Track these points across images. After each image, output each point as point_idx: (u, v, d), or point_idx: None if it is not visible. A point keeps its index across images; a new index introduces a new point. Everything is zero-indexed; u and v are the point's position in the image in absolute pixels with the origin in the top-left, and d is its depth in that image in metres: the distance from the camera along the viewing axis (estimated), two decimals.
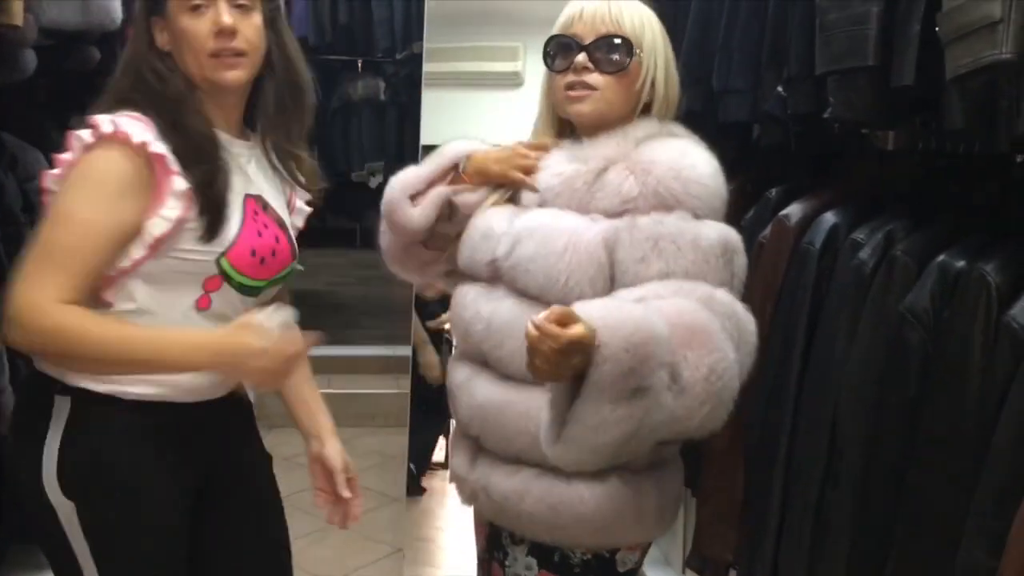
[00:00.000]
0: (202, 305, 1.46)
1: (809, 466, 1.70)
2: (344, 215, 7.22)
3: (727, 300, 1.34)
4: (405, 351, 4.67)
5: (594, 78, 1.46)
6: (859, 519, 1.58)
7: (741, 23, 2.02)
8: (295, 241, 1.59)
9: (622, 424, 1.20)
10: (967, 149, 1.66)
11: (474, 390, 1.53)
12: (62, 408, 1.41)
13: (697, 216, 1.40)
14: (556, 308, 1.19)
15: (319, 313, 5.59)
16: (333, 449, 1.75)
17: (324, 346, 4.83)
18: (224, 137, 1.48)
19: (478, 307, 1.51)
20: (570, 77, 1.46)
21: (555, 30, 1.51)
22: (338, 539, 3.24)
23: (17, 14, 2.07)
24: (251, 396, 1.72)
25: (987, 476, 1.28)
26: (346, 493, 1.71)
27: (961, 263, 1.46)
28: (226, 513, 1.59)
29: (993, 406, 1.30)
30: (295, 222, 1.67)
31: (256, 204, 1.51)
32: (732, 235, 1.43)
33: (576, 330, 1.17)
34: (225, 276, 1.45)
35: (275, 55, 1.51)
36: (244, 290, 1.49)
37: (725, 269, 1.38)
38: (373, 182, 7.07)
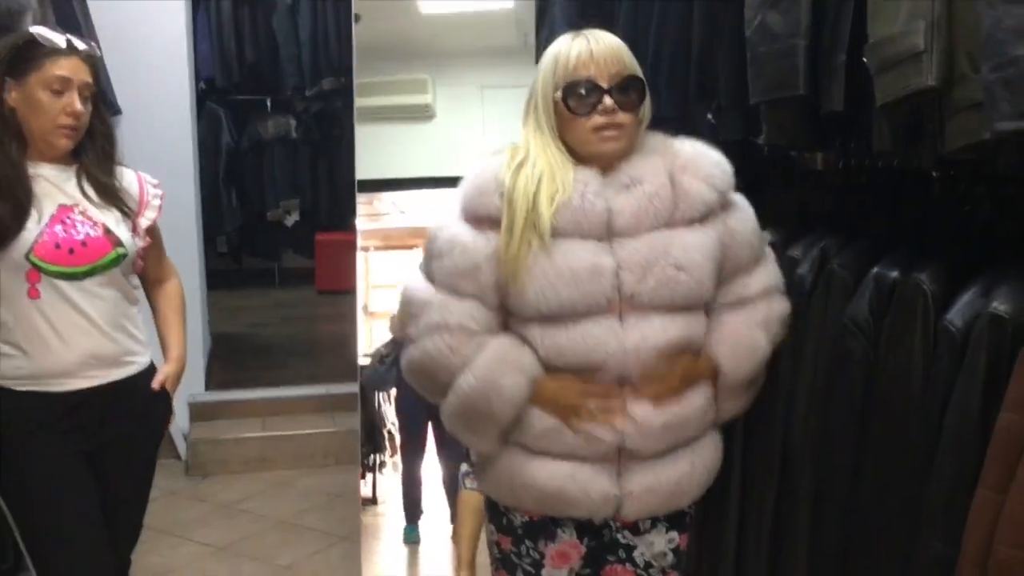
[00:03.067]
0: (32, 295, 1.86)
1: (763, 472, 1.79)
2: (261, 255, 7.16)
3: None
4: (343, 389, 4.66)
5: (620, 117, 1.53)
6: (815, 520, 1.67)
7: (666, 61, 2.12)
8: (120, 236, 1.95)
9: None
10: (887, 167, 1.78)
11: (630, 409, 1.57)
12: None
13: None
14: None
15: (244, 356, 5.52)
16: (161, 372, 2.10)
17: (254, 389, 4.76)
18: (42, 166, 1.91)
19: (619, 337, 1.54)
20: (598, 119, 1.53)
21: (564, 74, 1.54)
22: None
23: None
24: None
25: (937, 472, 1.37)
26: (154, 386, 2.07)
27: (894, 273, 1.56)
28: (105, 471, 1.98)
29: (937, 404, 1.40)
30: (141, 226, 2.04)
31: (68, 210, 1.91)
32: None
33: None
34: (38, 268, 1.85)
35: (95, 120, 1.96)
36: (64, 276, 1.87)
37: None
38: (289, 220, 7.03)
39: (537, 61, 1.64)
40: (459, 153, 6.07)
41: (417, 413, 3.55)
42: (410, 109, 4.94)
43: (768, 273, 1.69)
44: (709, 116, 1.96)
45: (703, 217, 1.57)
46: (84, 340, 1.90)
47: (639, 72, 1.58)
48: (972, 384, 1.33)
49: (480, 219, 1.56)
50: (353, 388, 4.64)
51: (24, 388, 1.88)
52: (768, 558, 1.80)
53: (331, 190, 6.97)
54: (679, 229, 1.56)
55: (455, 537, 3.08)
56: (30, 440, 1.87)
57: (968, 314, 1.39)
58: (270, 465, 4.22)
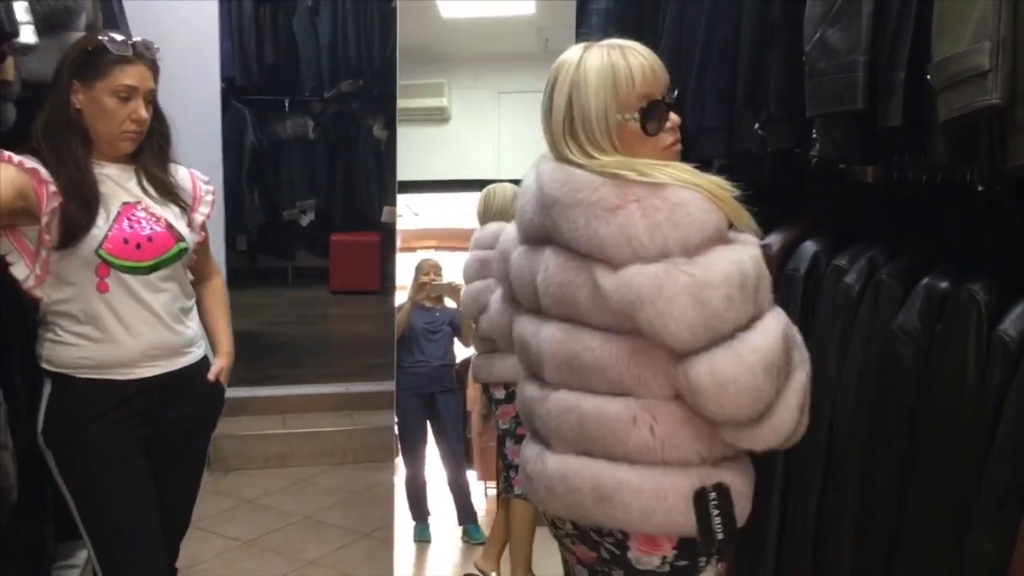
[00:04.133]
0: (101, 289, 1.91)
1: (807, 476, 1.84)
2: (275, 254, 7.22)
3: None
4: (360, 388, 4.71)
5: (678, 131, 1.55)
6: (860, 523, 1.72)
7: (713, 67, 2.17)
8: (180, 232, 2.02)
9: None
10: (932, 182, 1.83)
11: None
12: (47, 386, 1.97)
13: None
14: None
15: (263, 353, 5.59)
16: (216, 365, 2.16)
17: (276, 386, 4.82)
18: (106, 166, 1.97)
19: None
20: (668, 137, 1.52)
21: (631, 92, 1.47)
22: None
23: (9, 70, 2.09)
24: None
25: (990, 475, 1.42)
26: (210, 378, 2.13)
27: (944, 284, 1.61)
28: (162, 459, 2.04)
29: (990, 411, 1.45)
30: (196, 221, 2.10)
31: (132, 208, 1.97)
32: None
33: None
34: (107, 263, 1.90)
35: (154, 122, 2.01)
36: (131, 270, 1.93)
37: None
38: (304, 220, 7.08)
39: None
40: (473, 157, 6.14)
41: (416, 412, 3.67)
42: (426, 112, 5.00)
43: None
44: (756, 126, 2.00)
45: None
46: (148, 331, 1.95)
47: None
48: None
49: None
50: (369, 387, 4.72)
51: (87, 376, 1.93)
52: (811, 564, 1.85)
53: (346, 191, 7.02)
54: None
55: (511, 543, 3.13)
56: (91, 427, 1.92)
57: (1022, 325, 1.44)
58: (291, 462, 4.28)
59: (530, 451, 1.66)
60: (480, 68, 6.24)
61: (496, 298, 1.78)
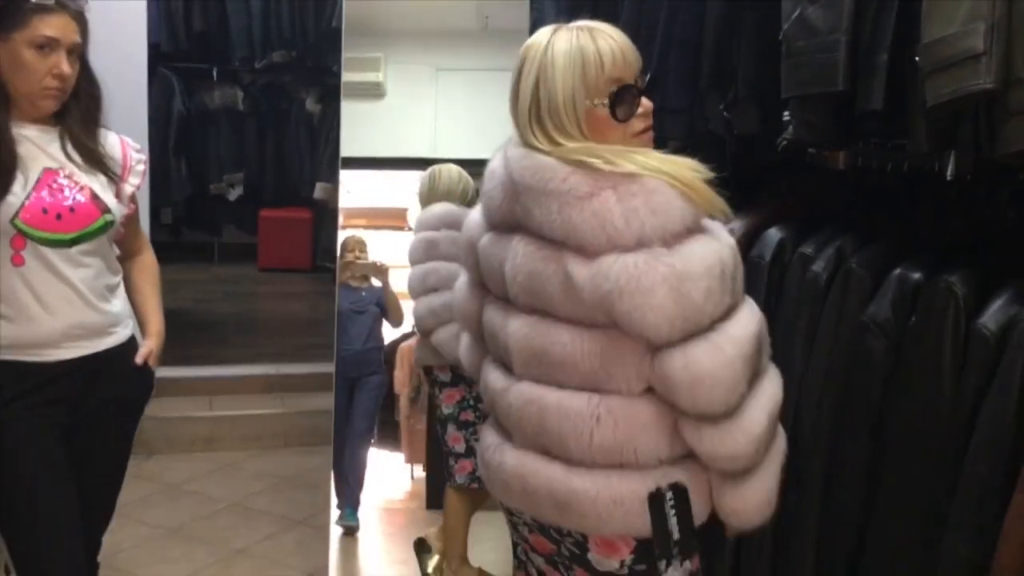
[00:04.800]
0: (16, 263, 1.76)
1: None
2: (201, 229, 6.96)
3: None
4: (290, 369, 4.56)
5: (649, 117, 1.47)
6: (825, 523, 1.67)
7: (675, 46, 2.09)
8: (107, 203, 1.86)
9: None
10: (897, 168, 1.78)
11: None
12: None
13: None
14: None
15: (189, 332, 5.39)
16: (144, 347, 2.02)
17: (201, 367, 4.64)
18: (26, 127, 1.81)
19: None
20: (639, 123, 1.44)
21: (600, 78, 1.39)
22: (242, 568, 3.13)
23: None
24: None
25: (968, 475, 1.38)
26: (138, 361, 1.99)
27: (917, 274, 1.57)
28: (84, 447, 1.90)
29: (968, 407, 1.40)
30: (125, 192, 1.95)
31: (54, 174, 1.82)
32: None
33: None
34: (24, 234, 1.76)
35: (82, 81, 1.86)
36: (50, 243, 1.78)
37: None
38: (232, 194, 6.84)
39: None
40: (409, 135, 6.00)
41: (340, 397, 3.54)
42: (360, 87, 4.86)
43: None
44: (721, 108, 1.93)
45: None
46: (69, 309, 1.81)
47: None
48: (1008, 388, 1.33)
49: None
50: (300, 369, 4.57)
51: (4, 358, 1.77)
52: (770, 565, 1.80)
53: (277, 166, 6.81)
54: None
55: (444, 532, 3.05)
56: (4, 413, 1.77)
57: (1002, 319, 1.39)
58: (217, 445, 4.13)
59: (489, 439, 1.58)
60: (418, 44, 6.10)
61: (461, 284, 1.68)
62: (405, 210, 8.56)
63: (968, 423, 1.40)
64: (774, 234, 1.88)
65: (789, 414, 1.74)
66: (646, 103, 1.44)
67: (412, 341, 4.19)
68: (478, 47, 5.99)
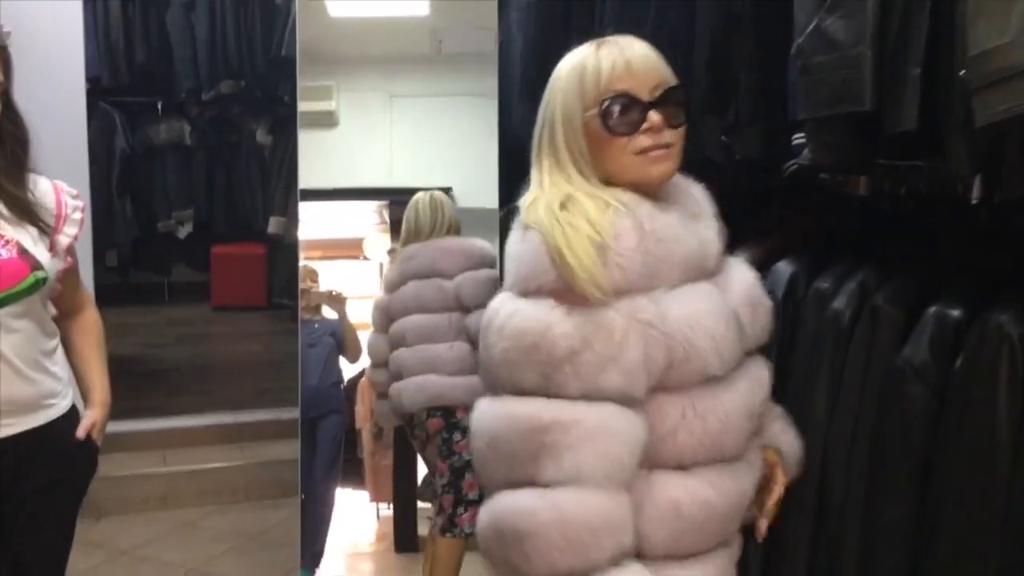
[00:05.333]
0: None
1: (794, 539, 1.60)
2: (150, 269, 6.69)
3: None
4: (250, 417, 4.32)
5: (667, 135, 1.30)
6: None
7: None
8: (38, 258, 1.68)
9: None
10: (917, 193, 1.62)
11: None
12: None
13: None
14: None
15: (139, 380, 5.10)
16: (87, 419, 1.84)
17: (153, 419, 4.37)
18: None
19: (725, 406, 1.29)
20: (643, 140, 1.29)
21: (597, 90, 1.28)
22: None
23: None
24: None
25: None
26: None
27: (957, 312, 1.41)
28: (18, 533, 1.71)
29: None
30: (61, 244, 1.76)
31: None
32: None
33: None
34: None
35: (4, 122, 1.69)
36: None
37: None
38: (182, 232, 6.59)
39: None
40: (364, 164, 5.80)
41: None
42: (312, 116, 4.69)
43: None
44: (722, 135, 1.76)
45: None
46: None
47: (677, 82, 1.35)
48: None
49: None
50: (261, 416, 4.34)
51: None
52: None
53: (228, 200, 6.57)
54: (732, 260, 1.44)
55: None
56: None
57: None
58: (173, 503, 3.87)
59: None
60: (370, 71, 5.92)
61: None
62: (361, 240, 8.36)
63: None
64: (784, 268, 1.71)
65: (814, 472, 1.57)
66: (654, 118, 1.28)
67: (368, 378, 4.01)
68: (432, 73, 5.84)
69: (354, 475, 5.80)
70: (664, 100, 1.30)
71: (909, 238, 1.68)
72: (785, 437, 1.52)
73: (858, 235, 1.76)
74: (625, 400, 1.19)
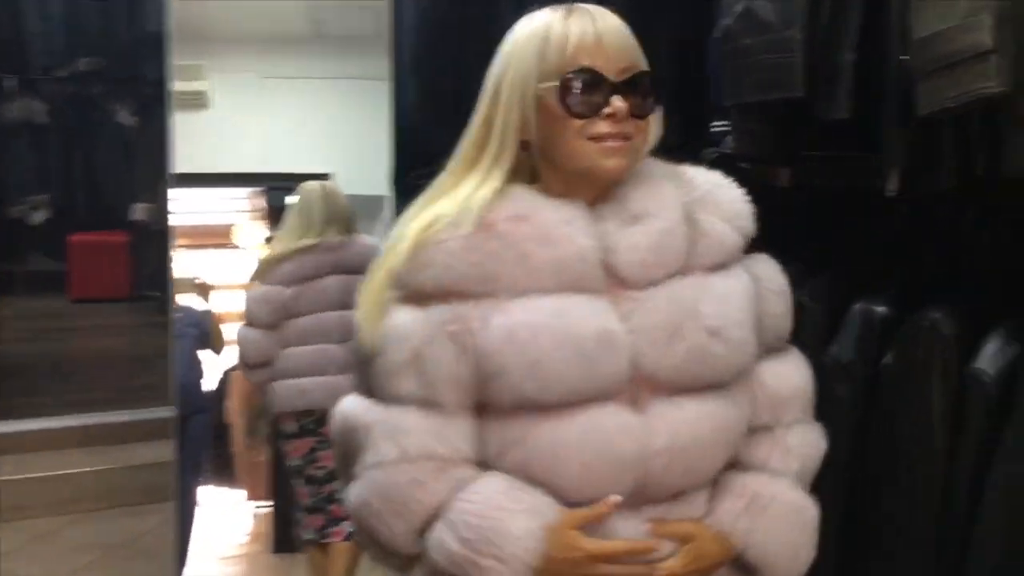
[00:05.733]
0: None
1: None
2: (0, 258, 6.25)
3: None
4: (112, 418, 4.07)
5: (629, 125, 1.14)
6: None
7: None
8: None
9: None
10: (834, 186, 1.58)
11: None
12: None
13: None
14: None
15: None
16: None
17: (6, 421, 4.06)
18: None
19: (642, 435, 1.11)
20: (603, 126, 1.13)
21: (560, 60, 1.13)
22: None
23: None
24: None
25: (982, 546, 1.16)
26: None
27: (882, 309, 1.37)
28: None
29: (969, 468, 1.20)
30: None
31: None
32: None
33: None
34: None
35: None
36: None
37: None
38: (36, 218, 6.18)
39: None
40: (238, 148, 5.54)
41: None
42: (181, 97, 4.45)
43: (800, 366, 1.27)
44: None
45: (724, 265, 1.19)
46: None
47: (647, 68, 1.19)
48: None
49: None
50: (127, 416, 4.10)
51: None
52: None
53: (87, 185, 6.19)
54: (701, 276, 1.16)
55: None
56: None
57: (1001, 362, 1.19)
58: (29, 513, 3.60)
59: None
60: (244, 50, 5.67)
61: None
62: (231, 227, 8.01)
63: (970, 490, 1.19)
64: None
65: None
66: (618, 103, 1.12)
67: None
68: (310, 54, 5.65)
69: (227, 472, 5.57)
70: (632, 85, 1.14)
71: (833, 232, 1.64)
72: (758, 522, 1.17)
73: (780, 228, 1.70)
74: (429, 405, 1.13)
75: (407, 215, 1.19)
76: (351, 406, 1.20)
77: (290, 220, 2.91)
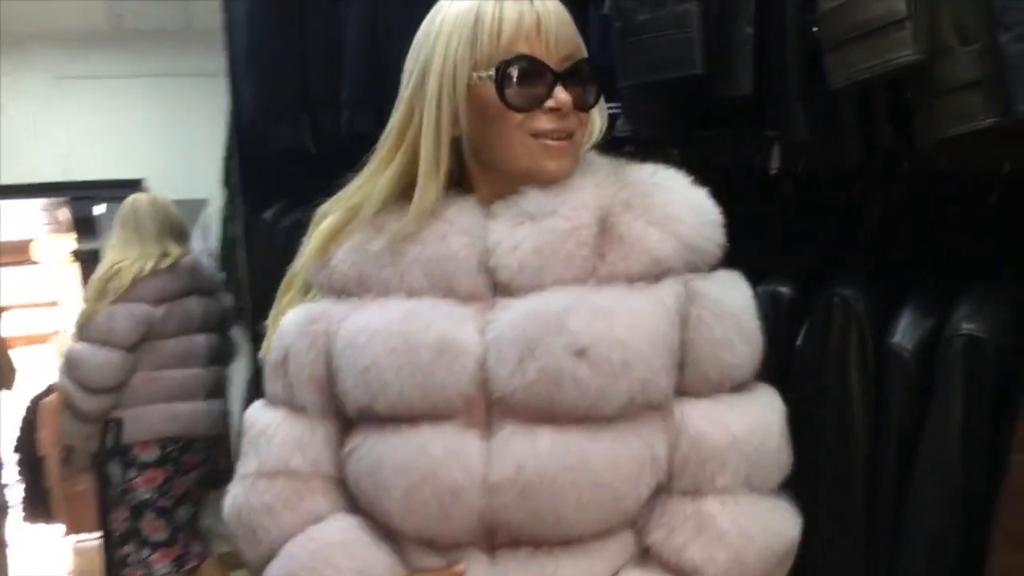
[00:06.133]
0: None
1: None
2: None
3: None
4: None
5: (572, 120, 1.03)
6: None
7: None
8: None
9: None
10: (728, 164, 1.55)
11: None
12: None
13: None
14: None
15: None
16: None
17: None
18: None
19: (477, 465, 0.97)
20: (545, 122, 1.01)
21: (494, 45, 1.00)
22: None
23: None
24: None
25: (914, 523, 1.15)
26: None
27: (786, 289, 1.34)
28: None
29: (892, 450, 1.19)
30: None
31: None
32: None
33: None
34: None
35: None
36: None
37: None
38: None
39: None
40: (33, 156, 5.05)
41: None
42: None
43: (758, 414, 1.05)
44: None
45: (648, 278, 1.02)
46: None
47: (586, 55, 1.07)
48: (948, 421, 1.12)
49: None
50: None
51: None
52: None
53: None
54: (605, 287, 1.01)
55: None
56: None
57: (918, 336, 1.18)
58: None
59: None
60: (34, 47, 5.19)
61: None
62: (28, 242, 7.37)
63: (896, 470, 1.18)
64: None
65: None
66: (562, 96, 1.00)
67: (53, 398, 3.59)
68: (108, 51, 5.23)
69: (41, 508, 5.10)
70: (574, 75, 1.03)
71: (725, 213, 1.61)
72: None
73: None
74: (294, 408, 1.10)
75: (319, 214, 1.13)
76: (251, 408, 1.16)
77: (119, 233, 2.65)
